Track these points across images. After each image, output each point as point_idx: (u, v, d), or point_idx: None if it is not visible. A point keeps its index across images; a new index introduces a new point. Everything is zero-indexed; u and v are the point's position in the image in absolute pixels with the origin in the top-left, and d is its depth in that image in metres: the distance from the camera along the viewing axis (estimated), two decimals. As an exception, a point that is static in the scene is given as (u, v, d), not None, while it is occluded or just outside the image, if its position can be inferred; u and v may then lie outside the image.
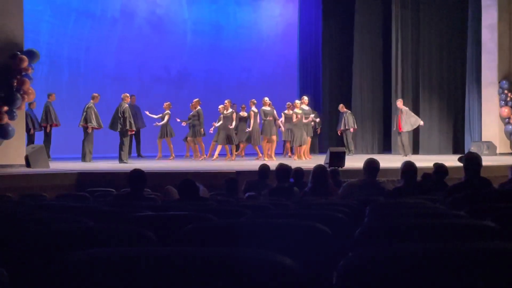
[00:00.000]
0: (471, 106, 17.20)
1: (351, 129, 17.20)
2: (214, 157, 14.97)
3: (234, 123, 15.03)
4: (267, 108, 14.97)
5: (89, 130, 13.96)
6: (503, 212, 3.01)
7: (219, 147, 15.11)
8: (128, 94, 14.15)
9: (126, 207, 4.17)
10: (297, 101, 15.33)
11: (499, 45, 15.70)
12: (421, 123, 16.38)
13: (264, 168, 7.96)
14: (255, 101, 15.58)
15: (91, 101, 14.20)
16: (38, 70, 13.60)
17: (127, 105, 13.87)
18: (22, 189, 8.66)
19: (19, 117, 11.42)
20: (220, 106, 15.32)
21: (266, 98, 15.12)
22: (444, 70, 18.36)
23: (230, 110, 15.08)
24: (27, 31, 12.19)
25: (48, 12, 17.25)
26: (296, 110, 14.91)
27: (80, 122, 14.07)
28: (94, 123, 13.96)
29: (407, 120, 16.16)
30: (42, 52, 12.71)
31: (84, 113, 14.00)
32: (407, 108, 16.51)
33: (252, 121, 15.24)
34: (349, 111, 17.62)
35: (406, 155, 15.40)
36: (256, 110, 15.44)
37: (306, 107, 15.44)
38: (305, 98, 15.71)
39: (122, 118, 13.63)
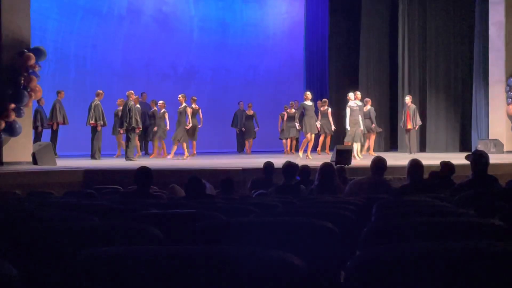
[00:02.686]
0: (478, 104, 17.11)
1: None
2: (170, 156, 14.35)
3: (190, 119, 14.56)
4: (308, 103, 14.21)
5: (99, 128, 13.98)
6: (510, 211, 2.99)
7: (186, 145, 14.38)
8: (133, 92, 14.10)
9: (133, 204, 4.17)
10: (351, 94, 14.43)
11: (507, 42, 15.60)
12: (419, 124, 16.31)
13: (269, 165, 7.97)
14: (195, 98, 15.33)
15: (96, 98, 14.21)
16: (45, 67, 13.63)
17: (133, 103, 13.87)
18: (29, 186, 8.70)
19: (26, 115, 11.46)
20: (160, 102, 15.06)
21: (308, 92, 14.51)
22: (451, 67, 18.28)
23: (183, 104, 14.43)
24: (33, 28, 12.22)
25: (55, 10, 17.28)
26: (351, 103, 14.10)
27: (89, 121, 14.06)
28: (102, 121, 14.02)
29: (413, 118, 16.11)
30: (48, 50, 12.75)
31: (92, 112, 14.00)
32: (414, 106, 16.45)
33: (189, 117, 14.51)
34: None
35: (411, 153, 15.36)
36: (197, 107, 15.16)
37: (359, 102, 14.53)
38: (358, 93, 14.73)
39: (127, 116, 13.65)
